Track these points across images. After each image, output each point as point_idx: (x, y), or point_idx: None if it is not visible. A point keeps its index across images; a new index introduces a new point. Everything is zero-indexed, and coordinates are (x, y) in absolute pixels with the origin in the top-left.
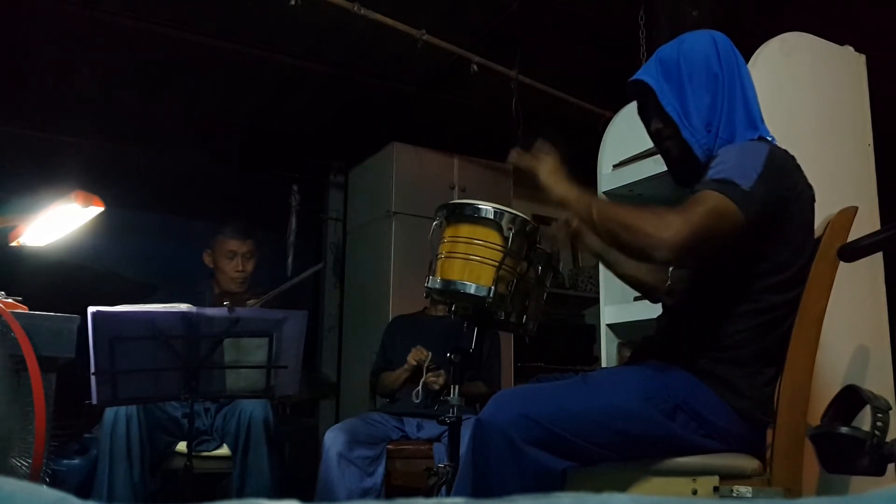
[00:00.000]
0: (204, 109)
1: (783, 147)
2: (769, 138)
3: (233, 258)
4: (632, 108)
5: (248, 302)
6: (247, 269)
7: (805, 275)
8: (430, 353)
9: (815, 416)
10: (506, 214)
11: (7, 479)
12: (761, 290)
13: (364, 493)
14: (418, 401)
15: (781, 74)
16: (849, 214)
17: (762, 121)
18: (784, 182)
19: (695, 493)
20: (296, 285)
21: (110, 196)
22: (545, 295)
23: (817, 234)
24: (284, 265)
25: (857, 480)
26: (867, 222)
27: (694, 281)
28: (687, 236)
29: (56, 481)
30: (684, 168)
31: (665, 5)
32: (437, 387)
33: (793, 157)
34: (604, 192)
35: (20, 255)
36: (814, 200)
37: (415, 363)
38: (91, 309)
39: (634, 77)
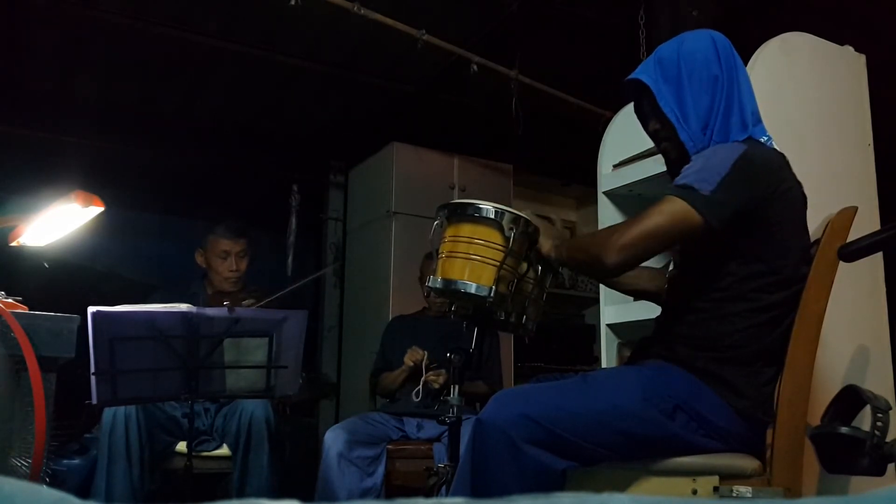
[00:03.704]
0: (204, 109)
1: (783, 147)
2: (764, 138)
3: (226, 258)
4: (632, 108)
5: (245, 302)
6: (240, 268)
7: (800, 274)
8: (426, 353)
9: (815, 416)
10: (507, 214)
11: (7, 479)
12: (756, 290)
13: (364, 493)
14: (418, 399)
15: (781, 74)
16: (849, 214)
17: (758, 121)
18: (759, 182)
19: (695, 493)
20: (295, 287)
21: (110, 196)
22: (545, 295)
23: (817, 234)
24: (284, 265)
25: (857, 480)
26: (867, 222)
27: (693, 282)
28: (631, 239)
29: (56, 481)
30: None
31: (665, 5)
32: (437, 386)
33: (780, 156)
34: (604, 192)
35: (20, 255)
36: (804, 198)
37: (411, 364)
38: (91, 309)
39: (632, 76)
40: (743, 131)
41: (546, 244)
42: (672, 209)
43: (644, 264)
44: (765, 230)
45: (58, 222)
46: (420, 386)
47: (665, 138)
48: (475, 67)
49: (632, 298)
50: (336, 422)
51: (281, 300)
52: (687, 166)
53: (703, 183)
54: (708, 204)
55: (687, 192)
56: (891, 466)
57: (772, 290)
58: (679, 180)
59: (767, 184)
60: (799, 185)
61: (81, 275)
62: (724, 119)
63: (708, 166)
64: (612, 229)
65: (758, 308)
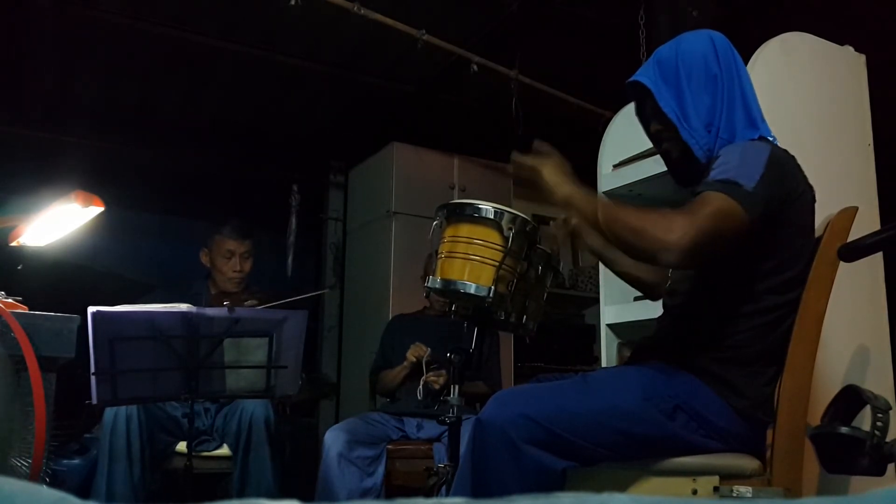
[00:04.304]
0: (204, 109)
1: (784, 147)
2: (770, 138)
3: (230, 258)
4: (632, 108)
5: (247, 303)
6: (244, 269)
7: (806, 275)
8: (428, 349)
9: (815, 416)
10: (506, 214)
11: (7, 479)
12: (763, 291)
13: (364, 493)
14: (421, 399)
15: (781, 74)
16: (849, 214)
17: (762, 120)
18: (785, 183)
19: (695, 493)
20: (295, 287)
21: (110, 196)
22: (545, 295)
23: (817, 233)
24: (284, 265)
25: (857, 480)
26: (867, 222)
27: (697, 282)
28: (693, 238)
29: (56, 481)
30: (685, 169)
31: (665, 5)
32: (437, 386)
33: (793, 158)
34: (604, 192)
35: (20, 255)
36: (814, 201)
37: (414, 359)
38: (91, 309)
39: (632, 78)
40: (752, 129)
41: (564, 186)
42: (723, 207)
43: None
44: (780, 230)
45: (58, 222)
46: (421, 385)
47: (667, 139)
48: (475, 67)
49: (632, 298)
50: (336, 422)
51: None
52: (719, 161)
53: (746, 178)
54: (752, 200)
55: (732, 188)
56: (891, 466)
57: (780, 292)
58: (718, 175)
59: (790, 185)
60: (810, 188)
61: (81, 275)
62: (728, 117)
63: (746, 162)
64: (669, 222)
65: (762, 309)
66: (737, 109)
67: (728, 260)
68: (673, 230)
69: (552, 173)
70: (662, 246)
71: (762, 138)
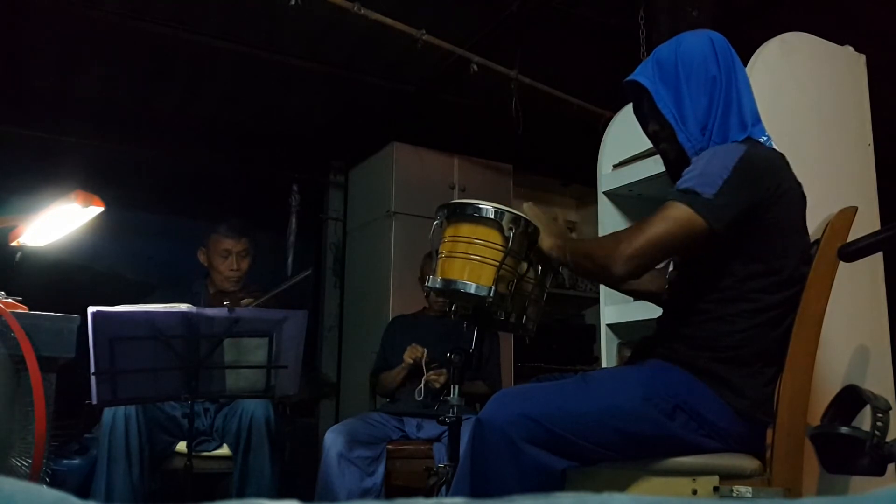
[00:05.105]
0: (204, 109)
1: (783, 146)
2: (763, 138)
3: (227, 257)
4: (632, 108)
5: (243, 301)
6: (241, 267)
7: (800, 274)
8: (425, 350)
9: (815, 416)
10: (506, 214)
11: (7, 479)
12: (756, 291)
13: (364, 493)
14: (421, 398)
15: (781, 74)
16: (849, 214)
17: (757, 121)
18: (761, 184)
19: (695, 493)
20: (294, 286)
21: (110, 196)
22: (545, 295)
23: (817, 234)
24: (284, 265)
25: (857, 480)
26: (867, 222)
27: (694, 282)
28: (638, 247)
29: (56, 481)
30: (682, 169)
31: (665, 5)
32: (437, 385)
33: (780, 157)
34: (604, 192)
35: (20, 255)
36: (804, 199)
37: (411, 361)
38: (91, 309)
39: (630, 77)
40: (742, 131)
41: (547, 241)
42: (676, 215)
43: None
44: (765, 231)
45: (58, 222)
46: (422, 385)
47: (664, 139)
48: (475, 67)
49: (632, 298)
50: (336, 422)
51: (280, 300)
52: (688, 169)
53: (706, 187)
54: (711, 208)
55: (690, 197)
56: (891, 466)
57: (772, 291)
58: (681, 184)
59: (768, 185)
60: (798, 185)
61: (81, 275)
62: (722, 119)
63: (709, 170)
64: (617, 238)
65: (758, 308)
66: (732, 112)
67: (718, 261)
68: (619, 243)
69: (544, 238)
70: (608, 259)
71: (748, 139)
